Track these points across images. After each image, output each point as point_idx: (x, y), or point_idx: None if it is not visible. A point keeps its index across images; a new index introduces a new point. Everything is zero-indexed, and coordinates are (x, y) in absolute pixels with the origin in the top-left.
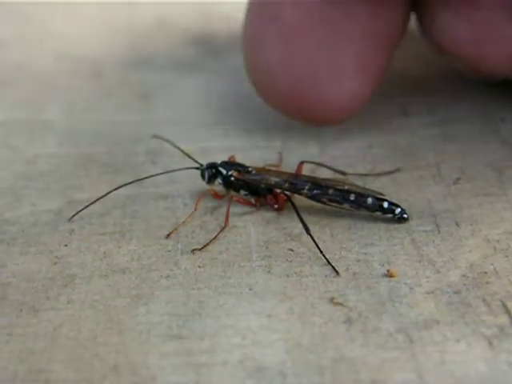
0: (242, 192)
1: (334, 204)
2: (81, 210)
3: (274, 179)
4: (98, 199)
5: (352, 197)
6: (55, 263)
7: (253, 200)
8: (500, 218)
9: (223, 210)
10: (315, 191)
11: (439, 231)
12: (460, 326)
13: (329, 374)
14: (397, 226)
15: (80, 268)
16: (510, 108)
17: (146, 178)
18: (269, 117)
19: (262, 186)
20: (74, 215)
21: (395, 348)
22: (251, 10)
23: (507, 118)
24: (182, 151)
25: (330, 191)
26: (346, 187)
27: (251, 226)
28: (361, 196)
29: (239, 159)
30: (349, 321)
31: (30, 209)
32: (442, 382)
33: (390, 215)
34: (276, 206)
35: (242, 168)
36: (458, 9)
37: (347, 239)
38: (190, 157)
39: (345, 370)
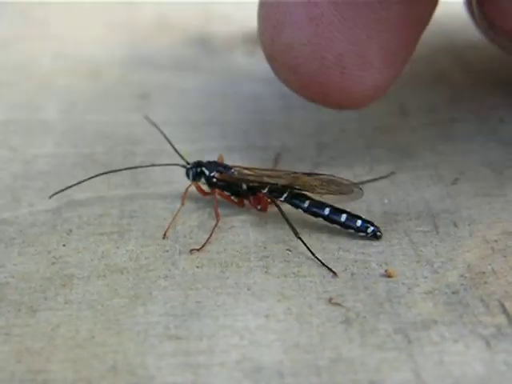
0: (225, 193)
1: (309, 215)
2: (63, 190)
3: (255, 183)
4: (79, 182)
5: (326, 211)
6: (53, 263)
7: (236, 200)
8: (498, 218)
9: (220, 211)
10: (292, 200)
11: (437, 231)
12: (458, 326)
13: (326, 374)
14: (395, 226)
15: (78, 268)
16: (509, 108)
17: (126, 169)
18: (267, 117)
19: (244, 188)
20: (55, 193)
21: (393, 348)
22: None
23: (506, 118)
24: (172, 145)
25: (306, 203)
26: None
27: (249, 227)
28: (335, 211)
29: (237, 160)
30: (347, 321)
31: (28, 209)
32: (440, 382)
33: (362, 234)
34: (259, 207)
35: (224, 169)
36: None
37: (345, 239)
38: (178, 154)
39: (342, 371)
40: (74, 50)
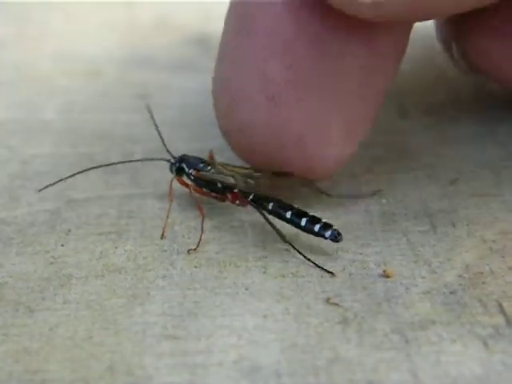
0: (204, 189)
1: (274, 216)
2: (49, 185)
3: (228, 182)
4: (65, 178)
5: (288, 214)
6: (51, 263)
7: (213, 194)
8: (496, 218)
9: (218, 211)
10: (259, 201)
11: (435, 232)
12: (456, 326)
13: (324, 374)
14: (393, 226)
15: (76, 268)
16: (507, 109)
17: (112, 164)
18: None
19: (219, 186)
20: (42, 188)
21: (391, 348)
22: (229, 61)
23: (504, 118)
24: (161, 136)
25: (270, 205)
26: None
27: (247, 227)
28: (298, 215)
29: (238, 160)
30: (344, 321)
31: (26, 209)
32: (438, 382)
33: (322, 237)
34: (237, 203)
35: (202, 167)
36: (494, 30)
37: (343, 240)
38: (166, 148)
39: (340, 371)
40: (73, 50)
